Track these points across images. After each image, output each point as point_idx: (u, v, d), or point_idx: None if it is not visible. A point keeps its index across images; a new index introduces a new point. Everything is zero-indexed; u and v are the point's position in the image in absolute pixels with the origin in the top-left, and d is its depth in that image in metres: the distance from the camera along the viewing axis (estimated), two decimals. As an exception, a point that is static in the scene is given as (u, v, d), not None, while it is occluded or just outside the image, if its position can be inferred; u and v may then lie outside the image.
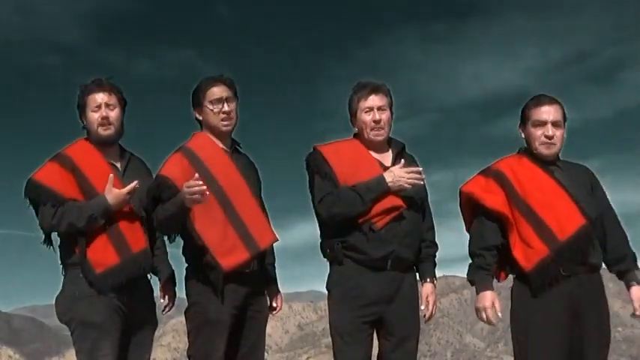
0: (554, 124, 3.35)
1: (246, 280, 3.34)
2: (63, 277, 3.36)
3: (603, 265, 3.39)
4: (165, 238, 3.49)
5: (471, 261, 3.37)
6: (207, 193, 3.11)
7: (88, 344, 3.23)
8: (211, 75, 3.48)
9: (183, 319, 3.38)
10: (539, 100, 3.40)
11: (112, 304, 3.26)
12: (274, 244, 3.55)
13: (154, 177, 3.40)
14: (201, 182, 3.09)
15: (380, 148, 3.50)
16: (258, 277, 3.43)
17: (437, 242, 3.58)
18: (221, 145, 3.45)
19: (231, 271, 3.26)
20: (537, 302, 3.24)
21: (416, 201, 3.44)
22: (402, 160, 3.38)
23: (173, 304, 3.59)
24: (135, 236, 3.34)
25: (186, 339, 3.39)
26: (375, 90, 3.47)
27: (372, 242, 3.32)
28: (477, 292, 3.31)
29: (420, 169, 3.38)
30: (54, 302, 3.37)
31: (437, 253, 3.57)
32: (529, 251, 3.25)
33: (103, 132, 3.37)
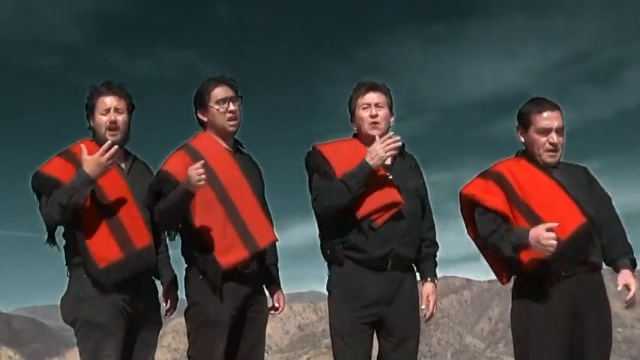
0: (558, 131, 3.34)
1: (246, 281, 3.34)
2: (68, 278, 3.36)
3: (604, 265, 3.38)
4: (166, 236, 3.48)
5: (492, 243, 3.26)
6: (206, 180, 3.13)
7: (91, 344, 3.23)
8: (213, 76, 3.50)
9: (183, 319, 3.39)
10: (541, 106, 3.37)
11: (117, 305, 3.26)
12: (277, 246, 3.56)
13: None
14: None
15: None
16: (258, 278, 3.43)
17: (437, 242, 3.58)
18: (224, 145, 3.46)
19: (230, 269, 3.26)
20: (538, 302, 3.24)
21: (415, 199, 3.45)
22: (377, 136, 3.35)
23: (175, 307, 3.59)
24: (138, 232, 3.34)
25: (187, 339, 3.38)
26: (373, 88, 3.50)
27: (372, 241, 3.32)
28: (525, 240, 3.11)
29: (391, 133, 3.34)
30: (59, 303, 3.37)
31: (437, 253, 3.57)
32: (529, 250, 3.25)
33: (110, 136, 3.37)
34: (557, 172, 3.39)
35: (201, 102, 3.47)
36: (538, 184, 3.34)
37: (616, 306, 3.35)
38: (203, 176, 3.12)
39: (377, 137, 3.34)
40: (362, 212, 3.32)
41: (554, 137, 3.33)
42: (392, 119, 3.54)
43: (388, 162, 3.43)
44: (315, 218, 3.48)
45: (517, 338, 3.35)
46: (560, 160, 3.43)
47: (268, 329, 3.54)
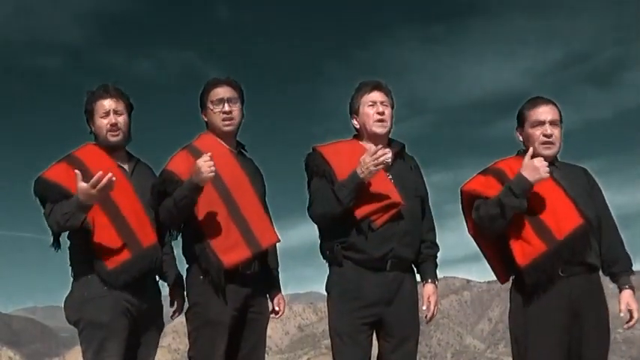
0: (552, 123, 3.37)
1: (247, 282, 3.34)
2: (72, 278, 3.37)
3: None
4: (170, 237, 3.49)
5: (489, 213, 3.24)
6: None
7: (94, 345, 3.24)
8: (216, 77, 3.52)
9: (183, 320, 3.39)
10: (535, 102, 3.43)
11: (121, 305, 3.27)
12: (277, 247, 3.57)
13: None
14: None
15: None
16: (259, 279, 3.43)
17: (438, 243, 3.58)
18: (226, 146, 3.47)
19: (232, 268, 3.27)
20: (536, 303, 3.25)
21: (415, 199, 3.45)
22: (371, 147, 3.34)
23: (182, 309, 3.59)
24: (144, 232, 3.34)
25: (187, 340, 3.39)
26: (378, 87, 3.51)
27: (371, 241, 3.32)
28: (521, 183, 3.18)
29: (380, 146, 3.30)
30: (60, 304, 3.38)
31: (438, 254, 3.57)
32: (527, 247, 3.26)
33: (112, 138, 3.40)
34: (556, 171, 3.39)
35: (201, 102, 3.52)
36: (538, 182, 3.34)
37: (616, 307, 3.37)
38: (213, 167, 3.14)
39: (369, 148, 3.32)
40: (361, 213, 3.32)
41: (547, 129, 3.35)
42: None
43: (388, 162, 3.44)
44: (314, 219, 3.48)
45: (515, 339, 3.35)
46: (559, 155, 3.45)
47: (268, 330, 3.54)
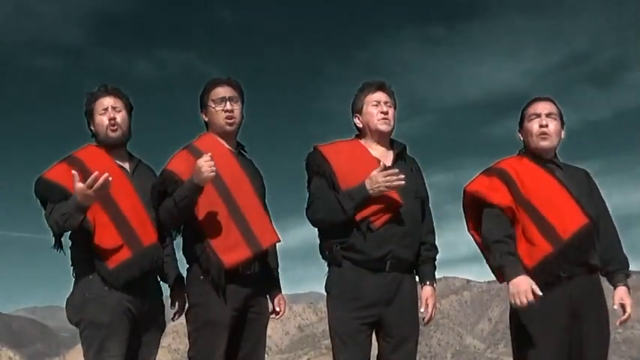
0: (548, 115, 3.40)
1: (247, 282, 3.34)
2: (74, 279, 3.37)
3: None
4: (171, 237, 3.50)
5: (492, 249, 3.26)
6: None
7: (95, 345, 3.24)
8: (217, 77, 3.53)
9: (183, 320, 3.39)
10: (533, 100, 3.49)
11: (122, 305, 3.27)
12: (277, 248, 3.57)
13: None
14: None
15: (381, 147, 3.51)
16: (260, 279, 3.43)
17: (437, 246, 3.58)
18: (227, 146, 3.48)
19: (233, 268, 3.27)
20: (537, 303, 3.25)
21: (415, 201, 3.45)
22: (382, 163, 3.35)
23: (183, 310, 3.59)
24: (145, 231, 3.35)
25: (187, 340, 3.39)
26: (382, 87, 3.53)
27: (371, 242, 3.32)
28: (510, 277, 3.16)
29: (396, 170, 3.31)
30: (60, 304, 3.39)
31: (437, 257, 3.57)
32: (532, 249, 3.25)
33: (112, 134, 3.41)
34: (558, 170, 3.41)
35: (202, 102, 3.52)
36: (541, 181, 3.36)
37: (615, 307, 3.37)
38: (214, 167, 3.14)
39: (382, 164, 3.33)
40: (361, 214, 3.32)
41: (543, 119, 3.38)
42: None
43: (389, 163, 3.44)
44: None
45: (516, 339, 3.35)
46: (558, 157, 3.47)
47: (268, 330, 3.54)
